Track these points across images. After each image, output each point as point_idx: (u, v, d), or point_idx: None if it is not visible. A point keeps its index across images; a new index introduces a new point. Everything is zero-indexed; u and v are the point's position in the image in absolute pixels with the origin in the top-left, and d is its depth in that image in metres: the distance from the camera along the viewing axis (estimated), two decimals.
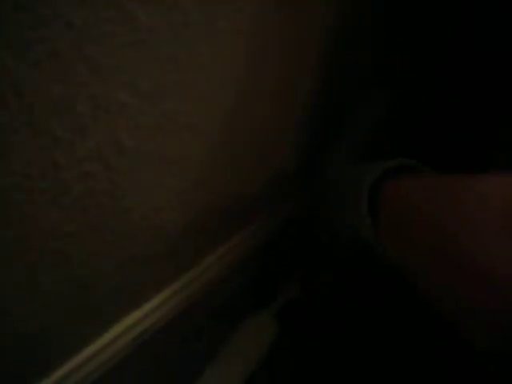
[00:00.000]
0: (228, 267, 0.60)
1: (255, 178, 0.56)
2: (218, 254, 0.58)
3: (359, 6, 0.53)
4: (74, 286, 0.40)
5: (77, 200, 0.34)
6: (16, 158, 0.29)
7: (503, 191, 0.32)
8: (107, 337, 0.48)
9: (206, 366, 0.54)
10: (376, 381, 0.57)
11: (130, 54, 0.31)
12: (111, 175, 0.35)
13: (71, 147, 0.31)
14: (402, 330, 0.61)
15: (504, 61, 0.68)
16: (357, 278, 0.66)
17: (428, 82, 0.78)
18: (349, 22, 0.54)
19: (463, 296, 0.32)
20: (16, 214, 0.31)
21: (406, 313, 0.61)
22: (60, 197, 0.33)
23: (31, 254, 0.34)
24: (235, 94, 0.43)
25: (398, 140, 0.79)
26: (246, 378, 0.54)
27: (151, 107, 0.34)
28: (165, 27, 0.32)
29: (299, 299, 0.64)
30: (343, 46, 0.56)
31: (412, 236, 0.38)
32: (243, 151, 0.50)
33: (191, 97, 0.38)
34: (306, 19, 0.46)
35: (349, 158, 0.66)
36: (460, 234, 0.32)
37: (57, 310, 0.40)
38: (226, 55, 0.39)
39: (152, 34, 0.31)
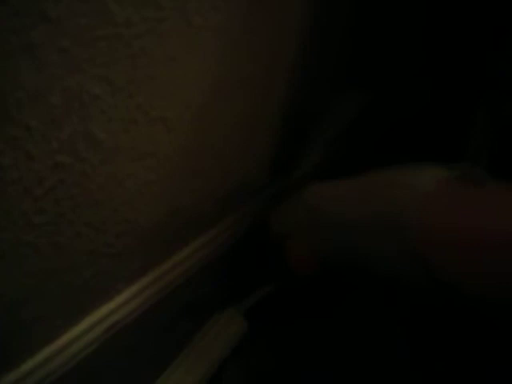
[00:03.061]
0: (200, 262, 0.60)
1: (230, 173, 0.57)
2: (190, 248, 0.58)
3: (333, 6, 0.54)
4: (44, 278, 0.40)
5: (49, 191, 0.34)
6: None
7: None
8: (79, 328, 0.48)
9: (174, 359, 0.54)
10: (360, 368, 0.58)
11: (105, 47, 0.31)
12: (84, 167, 0.35)
13: (44, 138, 0.32)
14: (384, 317, 0.63)
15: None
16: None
17: (403, 82, 0.79)
18: (322, 22, 0.55)
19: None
20: None
21: (387, 301, 0.63)
22: (32, 188, 0.33)
23: (1, 244, 0.34)
24: (209, 90, 0.44)
25: (372, 139, 0.81)
26: (213, 372, 0.54)
27: (124, 100, 0.35)
28: (140, 21, 0.32)
29: (273, 293, 0.65)
30: (317, 45, 0.57)
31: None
32: (218, 146, 0.51)
33: (165, 91, 0.38)
34: (279, 20, 0.47)
35: (321, 160, 0.67)
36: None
37: (27, 302, 0.40)
38: (200, 51, 0.39)
39: (127, 28, 0.32)
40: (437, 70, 0.78)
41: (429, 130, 0.80)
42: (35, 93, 0.29)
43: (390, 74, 0.77)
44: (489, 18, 0.69)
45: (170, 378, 0.52)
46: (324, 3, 0.52)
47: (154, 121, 0.39)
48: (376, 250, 0.38)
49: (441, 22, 0.76)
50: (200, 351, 0.55)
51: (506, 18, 0.66)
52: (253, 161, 0.61)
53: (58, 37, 0.28)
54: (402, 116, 0.82)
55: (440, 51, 0.77)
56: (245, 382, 0.57)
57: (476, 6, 0.69)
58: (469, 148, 0.73)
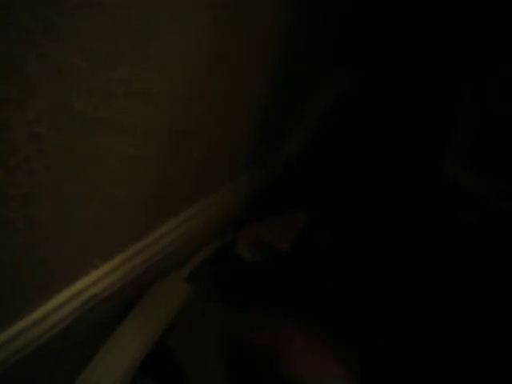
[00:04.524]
0: (178, 240, 0.60)
1: (215, 151, 0.57)
2: (168, 227, 0.58)
3: None
4: (19, 252, 0.40)
5: (24, 162, 0.33)
6: None
7: None
8: (53, 303, 0.47)
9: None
10: None
11: (85, 16, 0.30)
12: (61, 138, 0.35)
13: (21, 107, 0.31)
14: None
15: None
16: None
17: (389, 63, 0.79)
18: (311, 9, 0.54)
19: None
20: None
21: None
22: (7, 157, 0.32)
23: None
24: (193, 68, 0.43)
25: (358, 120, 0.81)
26: (156, 339, 0.54)
27: (104, 72, 0.34)
28: None
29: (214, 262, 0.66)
30: (306, 30, 0.57)
31: None
32: (199, 124, 0.50)
33: (145, 66, 0.37)
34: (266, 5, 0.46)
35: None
36: None
37: (1, 275, 0.40)
38: (186, 28, 0.39)
39: None
40: (421, 61, 0.78)
41: (413, 117, 0.80)
42: (10, 60, 0.28)
43: (375, 57, 0.77)
44: (477, 16, 0.69)
45: (118, 343, 0.52)
46: None
47: (135, 95, 0.38)
48: None
49: (428, 15, 0.76)
50: (144, 316, 0.55)
51: (494, 17, 0.66)
52: (237, 139, 0.60)
53: (38, 4, 0.27)
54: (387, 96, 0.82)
55: (426, 42, 0.77)
56: None
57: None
58: (451, 137, 0.73)
